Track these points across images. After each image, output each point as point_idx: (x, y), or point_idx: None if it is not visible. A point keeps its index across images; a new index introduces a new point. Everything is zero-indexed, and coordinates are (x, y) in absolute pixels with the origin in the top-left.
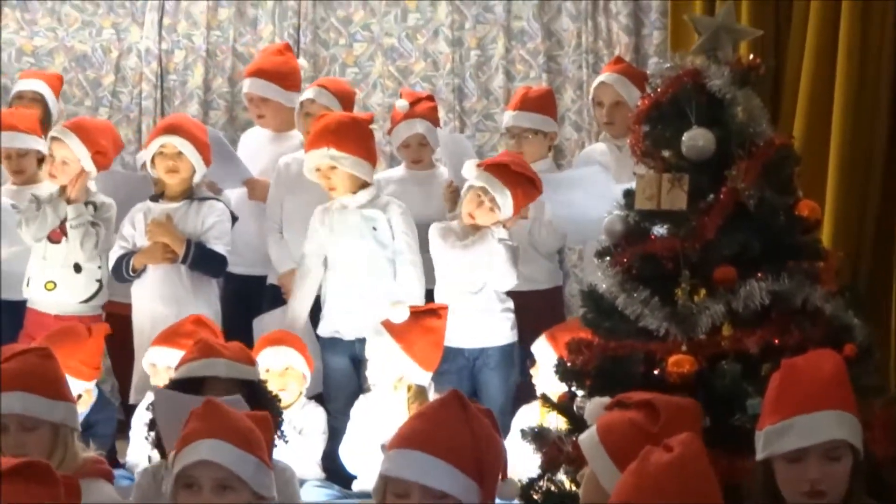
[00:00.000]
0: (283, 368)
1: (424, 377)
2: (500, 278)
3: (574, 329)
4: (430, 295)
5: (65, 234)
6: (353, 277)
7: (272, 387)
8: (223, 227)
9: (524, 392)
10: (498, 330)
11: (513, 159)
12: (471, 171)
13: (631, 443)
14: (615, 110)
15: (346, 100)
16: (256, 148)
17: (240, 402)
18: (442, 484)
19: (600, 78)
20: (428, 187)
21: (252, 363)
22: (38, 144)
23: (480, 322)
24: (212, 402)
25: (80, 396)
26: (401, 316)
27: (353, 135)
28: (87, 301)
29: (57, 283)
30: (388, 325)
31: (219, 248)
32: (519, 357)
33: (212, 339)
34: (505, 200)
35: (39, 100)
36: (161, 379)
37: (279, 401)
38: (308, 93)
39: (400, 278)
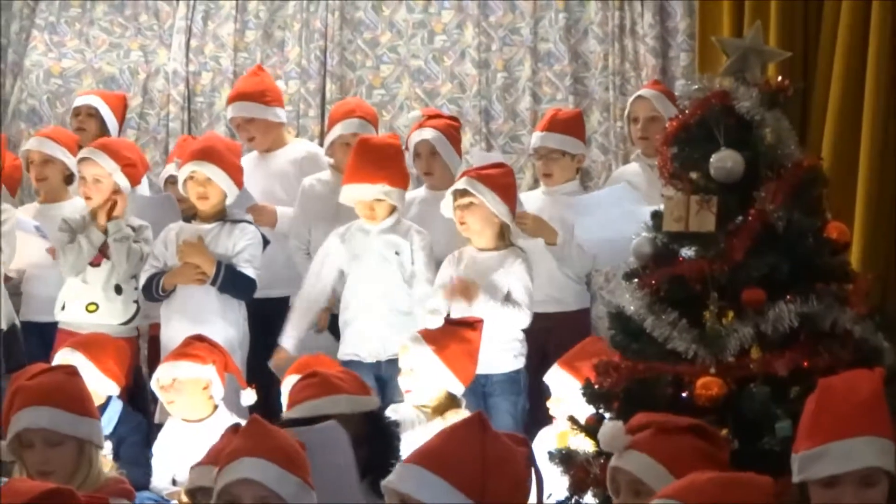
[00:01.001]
0: None
1: (459, 388)
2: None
3: (589, 353)
4: None
5: (105, 256)
6: (373, 301)
7: None
8: (254, 251)
9: (540, 416)
10: (502, 358)
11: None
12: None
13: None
14: (650, 125)
15: (375, 123)
16: (248, 172)
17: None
18: (435, 500)
19: (638, 92)
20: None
21: (367, 392)
22: (65, 157)
23: (486, 349)
24: (256, 420)
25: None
26: (436, 322)
27: (399, 166)
28: (126, 323)
29: (99, 305)
30: (426, 334)
31: (248, 271)
32: (530, 382)
33: (329, 374)
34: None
35: (94, 115)
36: (171, 396)
37: (397, 426)
38: (354, 126)
39: (417, 301)
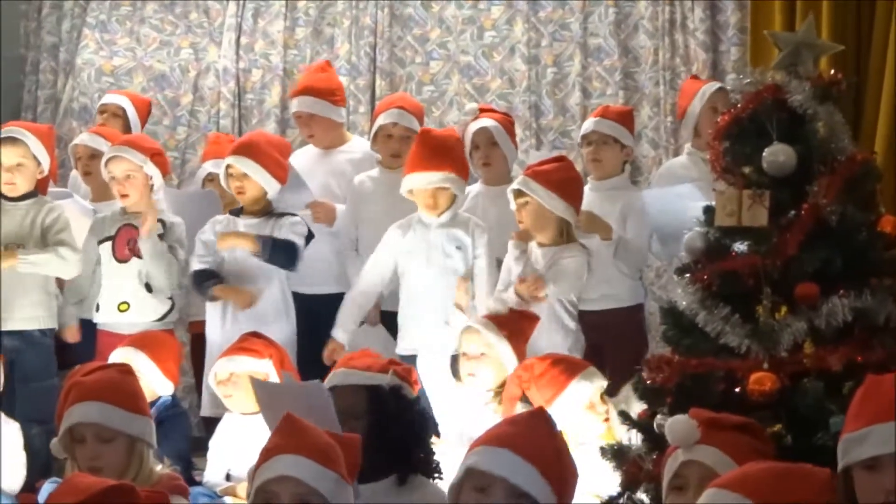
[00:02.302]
0: None
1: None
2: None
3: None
4: None
5: (135, 254)
6: (433, 295)
7: None
8: (297, 229)
9: None
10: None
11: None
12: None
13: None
14: (713, 115)
15: (421, 117)
16: (306, 167)
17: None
18: (526, 484)
19: (719, 85)
20: (504, 203)
21: (382, 371)
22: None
23: (544, 345)
24: (291, 418)
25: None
26: (503, 308)
27: (462, 156)
28: (160, 320)
29: (130, 304)
30: (496, 320)
31: (291, 237)
32: None
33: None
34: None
35: (121, 115)
36: (228, 391)
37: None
38: (389, 116)
39: (478, 296)
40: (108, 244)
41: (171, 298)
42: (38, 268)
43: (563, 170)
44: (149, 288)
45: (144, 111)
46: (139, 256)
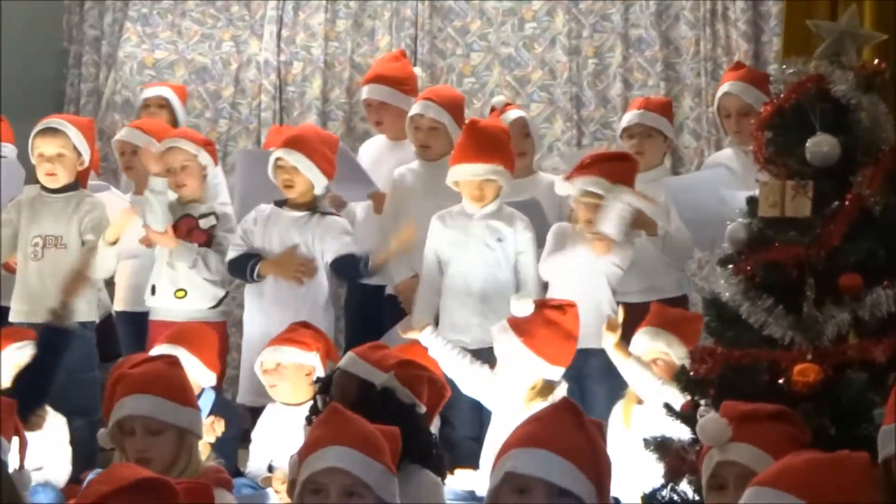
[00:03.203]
0: None
1: (554, 372)
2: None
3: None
4: None
5: (193, 242)
6: (472, 287)
7: None
8: (345, 242)
9: None
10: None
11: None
12: (566, 186)
13: None
14: (743, 120)
15: (456, 108)
16: (376, 157)
17: None
18: (566, 482)
19: (724, 88)
20: (530, 194)
21: (382, 369)
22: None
23: (588, 326)
24: (337, 409)
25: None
26: (525, 310)
27: (510, 149)
28: (214, 307)
29: (187, 291)
30: (513, 322)
31: (344, 251)
32: None
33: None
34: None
35: (165, 106)
36: (274, 380)
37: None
38: (415, 107)
39: (522, 290)
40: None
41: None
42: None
43: (634, 167)
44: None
45: (185, 100)
46: (198, 244)
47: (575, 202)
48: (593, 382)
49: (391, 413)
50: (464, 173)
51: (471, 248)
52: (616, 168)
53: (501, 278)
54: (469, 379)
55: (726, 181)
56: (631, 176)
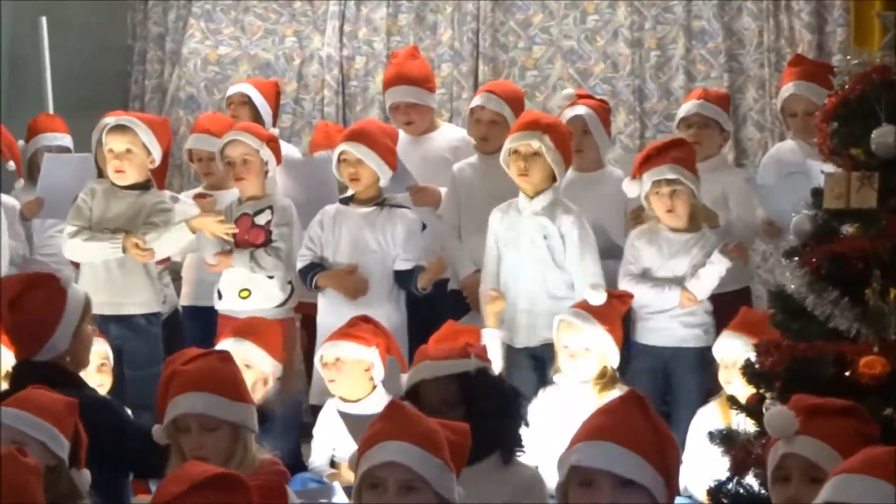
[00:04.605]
0: None
1: (617, 361)
2: (701, 287)
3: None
4: None
5: (254, 242)
6: (523, 281)
7: None
8: (414, 242)
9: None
10: (695, 332)
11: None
12: (634, 186)
13: None
14: (809, 119)
15: (516, 102)
16: (400, 152)
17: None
18: (630, 472)
19: (789, 89)
20: (598, 189)
21: (464, 356)
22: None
23: (678, 321)
24: (396, 404)
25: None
26: (600, 298)
27: (561, 133)
28: (280, 306)
29: (252, 291)
30: (589, 309)
31: (404, 266)
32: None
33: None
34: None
35: (247, 102)
36: (332, 375)
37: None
38: (477, 99)
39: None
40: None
41: (290, 283)
42: (163, 244)
43: (693, 154)
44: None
45: (273, 94)
46: (258, 245)
47: (648, 197)
48: (681, 378)
49: (494, 389)
50: (505, 147)
51: (521, 244)
52: (681, 154)
53: (547, 275)
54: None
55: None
56: (693, 161)
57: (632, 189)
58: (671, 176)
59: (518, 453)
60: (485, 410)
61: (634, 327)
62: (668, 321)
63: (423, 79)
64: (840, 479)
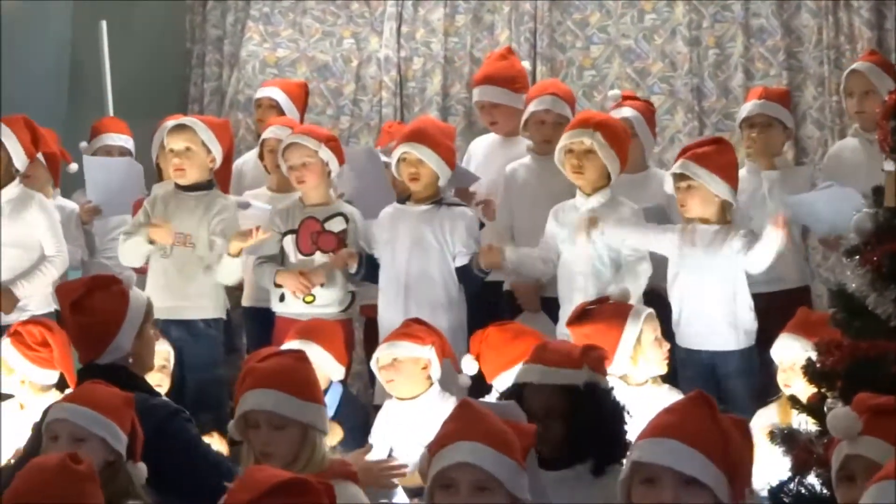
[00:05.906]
0: None
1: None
2: (754, 262)
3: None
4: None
5: (319, 247)
6: (577, 278)
7: None
8: (470, 238)
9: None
10: (737, 334)
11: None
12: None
13: None
14: (865, 100)
15: (572, 103)
16: (487, 154)
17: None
18: (693, 470)
19: (853, 66)
20: (643, 190)
21: (569, 364)
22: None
23: (721, 324)
24: (467, 404)
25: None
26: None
27: (614, 130)
28: (344, 310)
29: (316, 297)
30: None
31: (462, 260)
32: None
33: (548, 343)
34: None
35: (276, 106)
36: (390, 375)
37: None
38: (543, 103)
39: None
40: (292, 237)
41: (352, 292)
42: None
43: (725, 152)
44: (333, 279)
45: (301, 96)
46: (323, 250)
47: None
48: (732, 381)
49: (600, 407)
50: (560, 143)
51: (575, 240)
52: (704, 151)
53: (599, 273)
54: None
55: (842, 195)
56: (716, 158)
57: (668, 186)
58: (678, 171)
59: (611, 467)
60: (585, 425)
61: (677, 331)
62: (710, 324)
63: (508, 80)
64: (879, 486)
